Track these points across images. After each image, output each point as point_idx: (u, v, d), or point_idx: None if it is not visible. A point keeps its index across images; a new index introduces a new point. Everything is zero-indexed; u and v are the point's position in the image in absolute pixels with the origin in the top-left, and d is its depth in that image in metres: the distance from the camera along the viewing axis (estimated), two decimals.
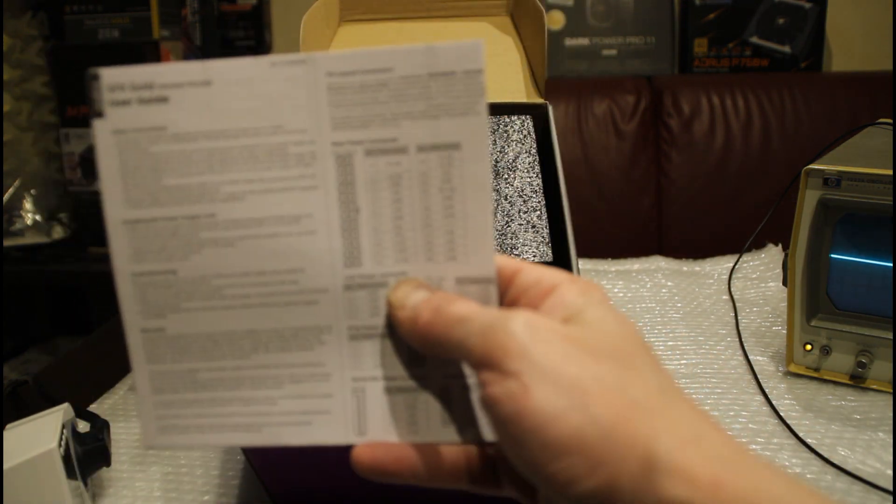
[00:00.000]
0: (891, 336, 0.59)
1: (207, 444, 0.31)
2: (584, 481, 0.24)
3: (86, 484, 0.48)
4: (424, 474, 0.30)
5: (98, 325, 0.85)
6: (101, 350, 0.77)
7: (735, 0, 1.81)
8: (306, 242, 0.29)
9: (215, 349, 0.31)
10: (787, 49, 1.81)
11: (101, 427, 0.51)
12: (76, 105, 1.88)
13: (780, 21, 1.80)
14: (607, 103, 1.70)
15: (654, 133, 1.70)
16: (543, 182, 0.56)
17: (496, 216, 0.53)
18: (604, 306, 0.27)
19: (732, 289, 0.83)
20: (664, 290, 0.84)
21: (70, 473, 0.45)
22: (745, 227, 0.92)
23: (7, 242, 1.84)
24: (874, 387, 0.61)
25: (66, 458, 0.45)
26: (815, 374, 0.63)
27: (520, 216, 0.53)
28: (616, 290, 0.84)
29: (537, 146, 0.57)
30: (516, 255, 0.52)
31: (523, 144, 0.57)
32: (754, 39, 1.82)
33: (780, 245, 0.91)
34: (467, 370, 0.30)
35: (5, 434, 0.46)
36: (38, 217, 1.90)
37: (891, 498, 0.48)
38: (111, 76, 0.30)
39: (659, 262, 0.92)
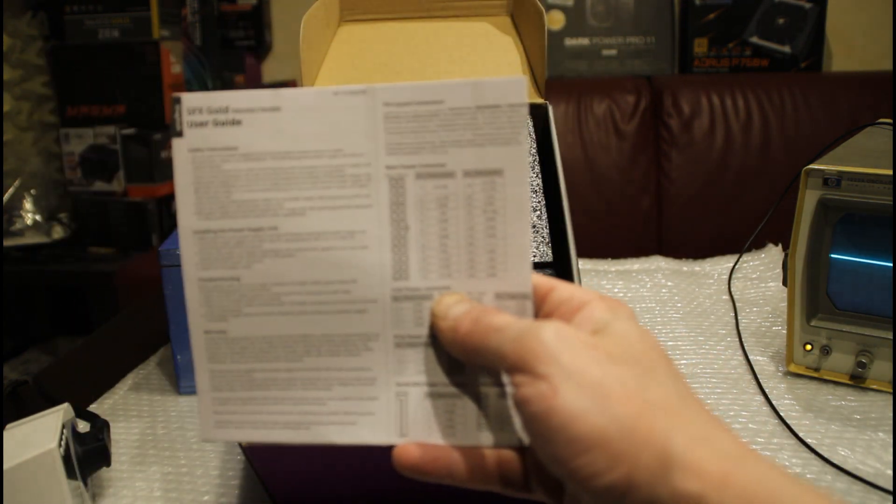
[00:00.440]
0: (891, 336, 0.59)
1: (260, 439, 0.33)
2: (605, 475, 0.26)
3: (86, 484, 0.48)
4: (460, 475, 0.32)
5: (98, 325, 0.85)
6: (101, 350, 0.77)
7: (735, 0, 1.81)
8: (359, 256, 0.32)
9: (271, 351, 0.33)
10: (787, 49, 1.81)
11: (101, 427, 0.51)
12: (76, 105, 1.88)
13: (780, 21, 1.80)
14: (607, 103, 1.70)
15: (654, 133, 1.70)
16: (543, 182, 0.56)
17: None
18: (629, 321, 0.30)
19: (732, 289, 0.83)
20: (664, 290, 0.84)
21: (70, 473, 0.45)
22: (745, 227, 0.92)
23: (7, 242, 1.84)
24: (874, 387, 0.61)
25: (66, 458, 0.45)
26: (815, 374, 0.63)
27: None
28: (616, 290, 0.84)
29: (537, 146, 0.57)
30: None
31: None
32: (754, 39, 1.82)
33: (780, 245, 0.91)
34: (503, 378, 0.32)
35: (5, 434, 0.46)
36: (38, 217, 1.90)
37: (891, 498, 0.48)
38: (191, 100, 0.32)
39: (659, 262, 0.92)
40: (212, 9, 2.01)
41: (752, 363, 0.66)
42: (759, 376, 0.64)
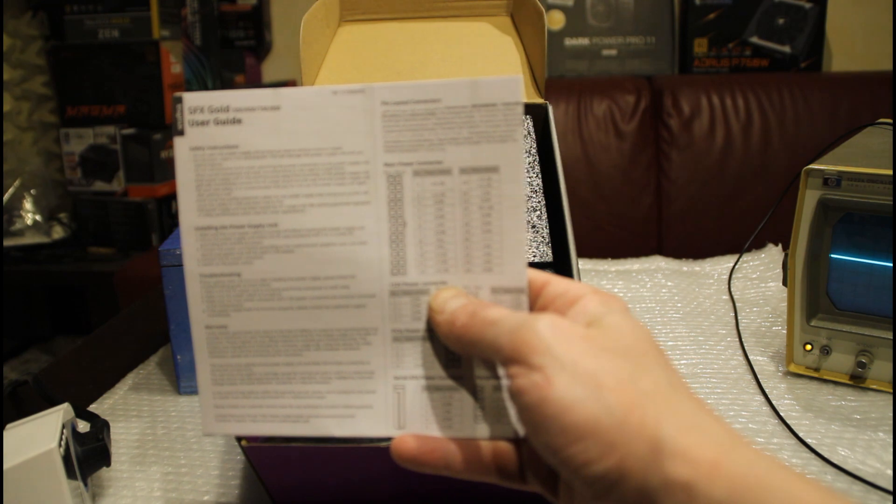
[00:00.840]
0: (891, 336, 0.59)
1: (260, 432, 0.34)
2: (597, 463, 0.27)
3: (86, 484, 0.48)
4: (456, 466, 0.33)
5: (98, 325, 0.85)
6: (101, 350, 0.77)
7: (735, 0, 1.81)
8: (357, 252, 0.33)
9: (271, 346, 0.33)
10: (787, 49, 1.81)
11: (101, 427, 0.51)
12: (76, 105, 1.88)
13: (780, 21, 1.80)
14: (607, 103, 1.70)
15: (654, 133, 1.70)
16: (543, 182, 0.56)
17: None
18: (622, 314, 0.30)
19: (732, 289, 0.83)
20: (664, 290, 0.84)
21: (70, 473, 0.45)
22: (745, 227, 0.92)
23: (7, 242, 1.84)
24: (874, 387, 0.61)
25: (66, 458, 0.45)
26: (815, 374, 0.63)
27: None
28: (616, 290, 0.84)
29: (537, 146, 0.57)
30: None
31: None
32: (754, 39, 1.82)
33: (780, 245, 0.91)
34: (499, 371, 0.33)
35: (5, 434, 0.46)
36: (38, 217, 1.90)
37: (891, 498, 0.48)
38: (192, 99, 0.33)
39: (659, 262, 0.92)
40: (212, 9, 2.01)
41: (752, 363, 0.66)
42: (759, 376, 0.64)
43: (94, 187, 1.89)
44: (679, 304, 0.80)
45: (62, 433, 0.46)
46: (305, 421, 0.34)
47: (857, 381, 0.61)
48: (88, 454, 0.48)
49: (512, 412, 0.32)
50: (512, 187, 0.32)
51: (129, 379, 0.69)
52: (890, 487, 0.48)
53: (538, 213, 0.53)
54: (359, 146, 0.32)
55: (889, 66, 1.84)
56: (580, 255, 0.84)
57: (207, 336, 0.34)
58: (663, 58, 1.88)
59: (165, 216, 1.89)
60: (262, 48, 2.12)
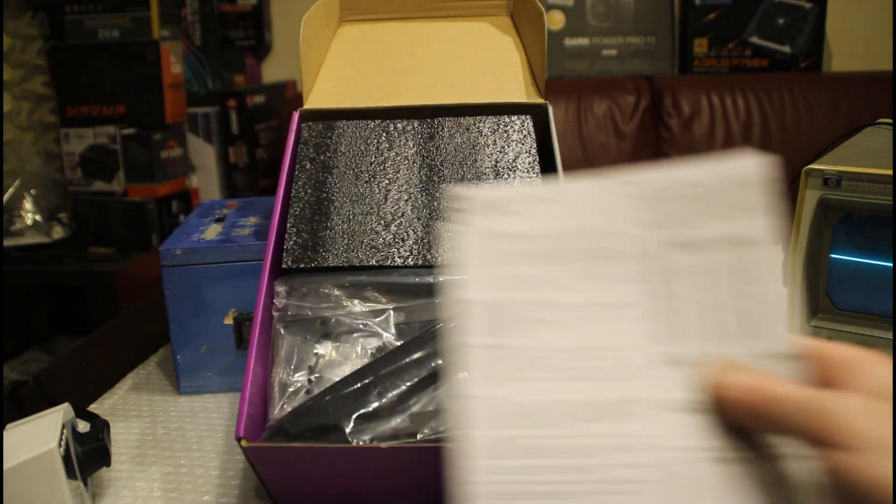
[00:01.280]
0: (891, 336, 0.59)
1: None
2: None
3: (86, 484, 0.48)
4: None
5: (98, 325, 0.85)
6: (101, 350, 0.77)
7: (735, 0, 1.81)
8: (626, 324, 0.35)
9: (548, 417, 0.34)
10: (787, 49, 1.81)
11: (101, 427, 0.51)
12: (76, 105, 1.88)
13: (780, 21, 1.80)
14: (607, 103, 1.70)
15: (654, 133, 1.70)
16: (543, 182, 0.56)
17: None
18: None
19: None
20: None
21: (70, 473, 0.45)
22: None
23: (7, 242, 1.84)
24: None
25: (66, 458, 0.45)
26: None
27: None
28: None
29: (537, 146, 0.57)
30: None
31: (523, 144, 0.57)
32: (754, 39, 1.82)
33: (779, 245, 0.91)
34: (786, 442, 0.32)
35: (5, 434, 0.46)
36: (38, 217, 1.90)
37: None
38: (477, 196, 0.36)
39: None
40: (212, 9, 2.01)
41: None
42: None
43: (94, 187, 1.89)
44: None
45: (62, 433, 0.46)
46: (581, 497, 0.33)
47: None
48: (88, 454, 0.48)
49: (802, 488, 0.32)
50: (768, 256, 0.34)
51: (129, 379, 0.69)
52: None
53: None
54: (626, 229, 0.35)
55: (889, 66, 1.84)
56: None
57: (483, 406, 0.34)
58: (663, 58, 1.88)
59: (165, 216, 1.89)
60: (262, 48, 2.12)
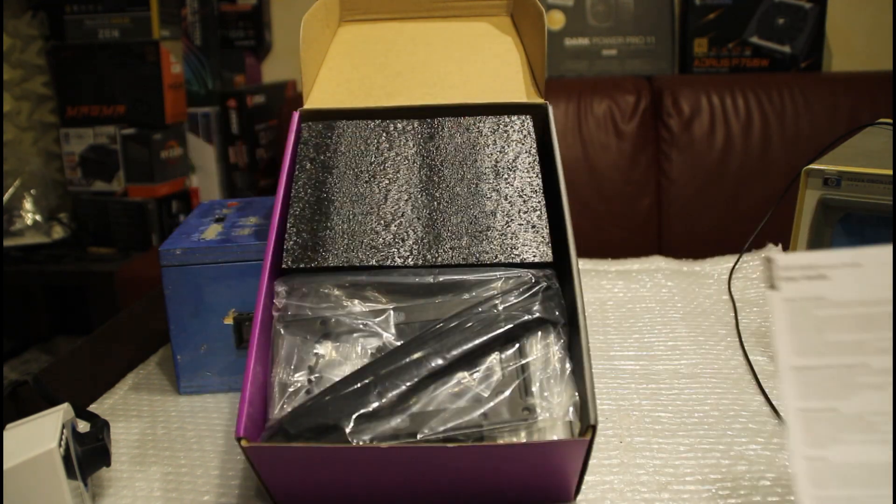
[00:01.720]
0: None
1: None
2: None
3: (86, 484, 0.48)
4: None
5: (98, 325, 0.85)
6: (101, 350, 0.77)
7: (735, 0, 1.81)
8: None
9: (870, 478, 0.36)
10: (787, 49, 1.81)
11: (101, 427, 0.51)
12: (76, 105, 1.88)
13: (780, 21, 1.80)
14: (607, 103, 1.70)
15: (654, 133, 1.70)
16: (543, 182, 0.56)
17: (496, 216, 0.54)
18: None
19: (732, 289, 0.83)
20: (664, 290, 0.84)
21: (70, 473, 0.45)
22: (745, 227, 0.92)
23: (7, 242, 1.84)
24: None
25: (66, 458, 0.45)
26: None
27: (520, 216, 0.53)
28: (616, 290, 0.84)
29: (537, 146, 0.57)
30: (516, 255, 0.52)
31: (523, 144, 0.57)
32: (754, 39, 1.82)
33: (780, 245, 0.91)
34: None
35: (5, 434, 0.46)
36: (38, 217, 1.90)
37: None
38: (783, 260, 0.38)
39: (659, 262, 0.92)
40: (212, 9, 2.01)
41: (752, 363, 0.66)
42: (759, 376, 0.64)
43: (94, 187, 1.89)
44: (679, 304, 0.80)
45: (62, 433, 0.46)
46: None
47: None
48: (88, 454, 0.48)
49: None
50: None
51: (129, 379, 0.69)
52: None
53: (538, 213, 0.54)
54: None
55: (889, 66, 1.84)
56: (580, 255, 0.84)
57: (807, 467, 0.36)
58: (663, 58, 1.88)
59: (165, 216, 1.89)
60: (262, 48, 2.12)
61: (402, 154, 0.57)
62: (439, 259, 0.52)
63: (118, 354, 0.75)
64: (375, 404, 0.45)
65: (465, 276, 0.51)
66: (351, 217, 0.54)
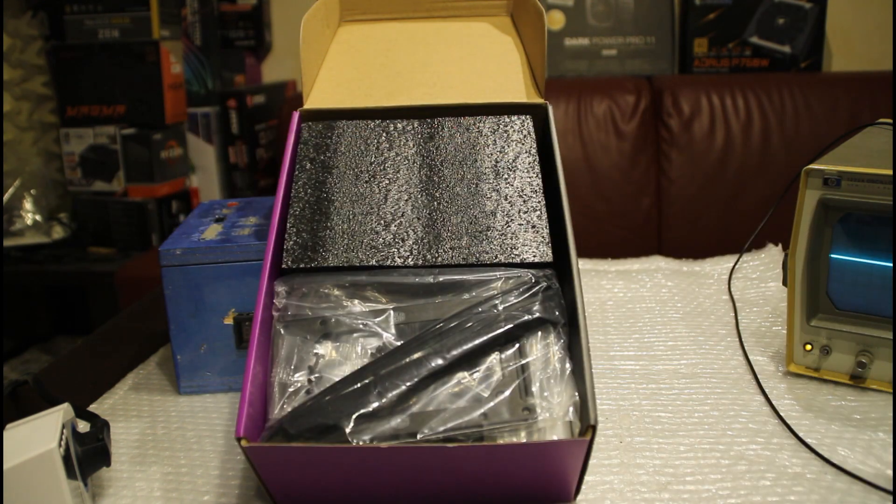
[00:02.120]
0: (891, 336, 0.59)
1: None
2: None
3: (86, 484, 0.48)
4: None
5: (98, 325, 0.85)
6: (101, 350, 0.77)
7: (735, 0, 1.81)
8: None
9: None
10: (787, 49, 1.81)
11: (101, 427, 0.51)
12: (76, 105, 1.88)
13: (780, 21, 1.80)
14: (607, 103, 1.70)
15: (654, 133, 1.70)
16: (543, 182, 0.56)
17: (496, 216, 0.54)
18: None
19: (732, 289, 0.83)
20: (664, 290, 0.84)
21: (70, 473, 0.45)
22: (745, 227, 0.92)
23: (7, 242, 1.84)
24: (874, 387, 0.61)
25: (66, 458, 0.45)
26: (815, 374, 0.63)
27: (520, 216, 0.53)
28: (616, 290, 0.84)
29: (537, 146, 0.57)
30: (516, 255, 0.52)
31: (523, 144, 0.57)
32: (754, 39, 1.82)
33: (780, 245, 0.91)
34: None
35: (5, 434, 0.46)
36: (38, 217, 1.90)
37: (891, 498, 0.48)
38: None
39: (659, 262, 0.92)
40: (212, 9, 2.01)
41: (752, 363, 0.66)
42: (759, 376, 0.64)
43: (94, 187, 1.89)
44: (679, 304, 0.80)
45: (62, 433, 0.46)
46: None
47: (857, 381, 0.61)
48: (88, 454, 0.48)
49: None
50: None
51: (129, 379, 0.69)
52: (890, 487, 0.48)
53: (538, 213, 0.54)
54: None
55: (889, 66, 1.84)
56: (580, 255, 0.84)
57: None
58: (663, 58, 1.88)
59: (165, 216, 1.89)
60: (262, 48, 2.12)
61: (402, 154, 0.57)
62: (439, 259, 0.52)
63: (118, 354, 0.75)
64: (375, 404, 0.45)
65: (465, 276, 0.51)
66: (351, 217, 0.54)
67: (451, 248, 0.52)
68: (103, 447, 0.49)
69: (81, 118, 1.88)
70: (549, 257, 0.52)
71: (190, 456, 0.56)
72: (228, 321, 0.63)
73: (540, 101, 0.60)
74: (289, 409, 0.46)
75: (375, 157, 0.57)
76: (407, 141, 0.58)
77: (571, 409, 0.46)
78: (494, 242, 0.52)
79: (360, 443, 0.44)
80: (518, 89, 0.62)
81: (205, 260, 0.62)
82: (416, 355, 0.47)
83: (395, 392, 0.45)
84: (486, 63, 0.65)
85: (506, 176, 0.55)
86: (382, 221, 0.54)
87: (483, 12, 0.71)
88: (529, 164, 0.56)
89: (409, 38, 0.69)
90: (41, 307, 2.00)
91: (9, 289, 1.81)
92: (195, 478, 0.53)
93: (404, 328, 0.50)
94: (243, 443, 0.43)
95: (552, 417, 0.45)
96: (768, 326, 0.74)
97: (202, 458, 0.55)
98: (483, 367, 0.48)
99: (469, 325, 0.48)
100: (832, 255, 0.60)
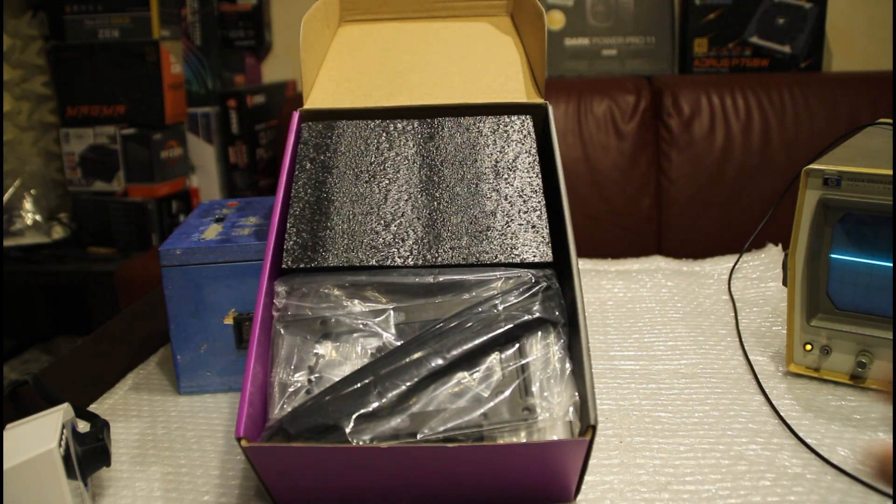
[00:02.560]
0: (891, 336, 0.59)
1: None
2: None
3: (86, 484, 0.48)
4: None
5: (98, 325, 0.85)
6: (101, 350, 0.77)
7: (735, 0, 1.81)
8: None
9: None
10: (787, 49, 1.81)
11: (101, 427, 0.51)
12: (76, 105, 1.88)
13: (780, 21, 1.80)
14: (607, 103, 1.70)
15: (654, 133, 1.70)
16: (543, 182, 0.56)
17: (496, 216, 0.54)
18: None
19: (732, 289, 0.83)
20: (664, 290, 0.84)
21: (70, 473, 0.45)
22: (745, 227, 0.92)
23: (7, 242, 1.84)
24: (874, 387, 0.61)
25: (66, 458, 0.45)
26: (815, 374, 0.63)
27: (520, 216, 0.53)
28: (616, 290, 0.84)
29: (537, 146, 0.57)
30: (516, 255, 0.52)
31: (523, 144, 0.57)
32: (754, 39, 1.82)
33: (780, 245, 0.91)
34: None
35: (5, 434, 0.46)
36: (38, 217, 1.90)
37: (891, 499, 0.48)
38: None
39: (659, 262, 0.92)
40: (212, 9, 2.01)
41: (752, 363, 0.66)
42: (759, 376, 0.64)
43: (94, 187, 1.89)
44: (679, 304, 0.80)
45: (62, 433, 0.46)
46: None
47: (857, 381, 0.61)
48: (88, 454, 0.48)
49: None
50: None
51: (129, 379, 0.69)
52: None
53: (538, 213, 0.54)
54: None
55: (889, 66, 1.84)
56: (580, 255, 0.84)
57: None
58: (663, 58, 1.88)
59: (165, 216, 1.89)
60: (262, 48, 2.12)
61: (402, 154, 0.57)
62: (439, 259, 0.52)
63: (118, 354, 0.75)
64: (375, 404, 0.45)
65: (465, 276, 0.51)
66: (351, 217, 0.54)
67: (451, 248, 0.52)
68: (103, 447, 0.49)
69: (81, 118, 1.88)
70: (549, 257, 0.52)
71: (190, 456, 0.56)
72: (228, 321, 0.63)
73: (540, 101, 0.60)
74: (289, 409, 0.46)
75: (375, 157, 0.57)
76: (407, 141, 0.58)
77: (571, 409, 0.46)
78: (494, 242, 0.52)
79: (360, 443, 0.44)
80: (518, 89, 0.62)
81: (205, 260, 0.62)
82: (416, 355, 0.47)
83: (395, 392, 0.45)
84: (486, 63, 0.65)
85: (506, 176, 0.55)
86: (382, 221, 0.54)
87: (483, 12, 0.71)
88: (529, 164, 0.56)
89: (409, 38, 0.69)
90: (41, 307, 2.00)
91: (9, 289, 1.81)
92: (195, 478, 0.53)
93: (404, 328, 0.50)
94: (243, 443, 0.43)
95: (552, 417, 0.45)
96: (768, 326, 0.74)
97: (202, 458, 0.55)
98: (483, 367, 0.48)
99: (469, 325, 0.48)
100: (832, 255, 0.60)
